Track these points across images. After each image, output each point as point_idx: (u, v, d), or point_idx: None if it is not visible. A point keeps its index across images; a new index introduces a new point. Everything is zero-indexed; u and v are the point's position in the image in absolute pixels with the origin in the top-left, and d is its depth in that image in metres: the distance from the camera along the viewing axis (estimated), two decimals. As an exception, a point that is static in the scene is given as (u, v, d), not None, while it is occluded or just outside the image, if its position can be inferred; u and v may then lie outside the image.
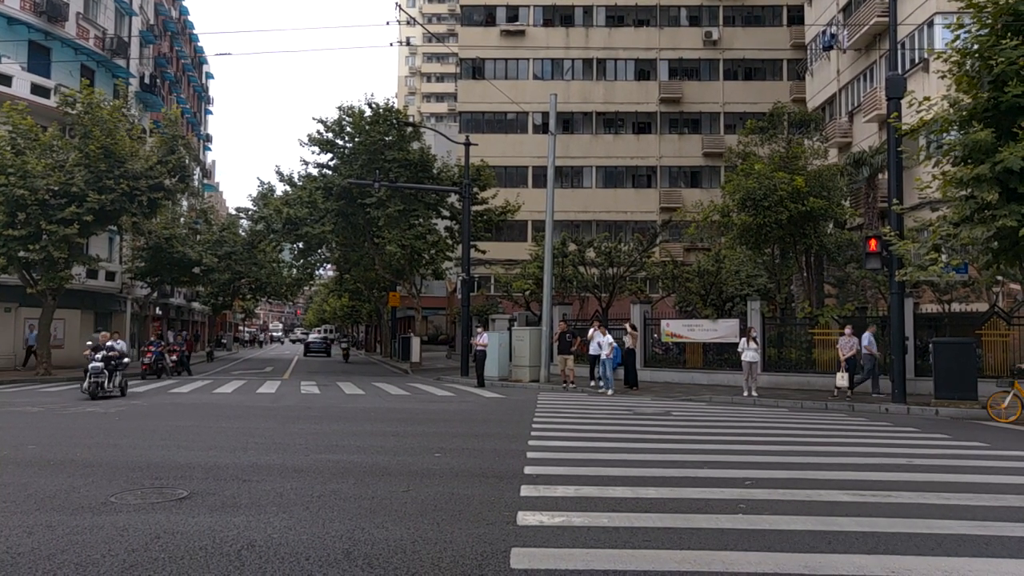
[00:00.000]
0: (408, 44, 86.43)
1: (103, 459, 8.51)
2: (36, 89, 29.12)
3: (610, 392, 18.64)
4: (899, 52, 20.21)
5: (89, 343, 17.96)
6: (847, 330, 17.71)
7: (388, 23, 28.13)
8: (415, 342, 33.82)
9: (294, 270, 42.58)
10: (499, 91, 41.20)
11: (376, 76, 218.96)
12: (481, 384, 22.02)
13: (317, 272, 48.13)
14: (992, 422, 13.82)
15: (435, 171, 32.69)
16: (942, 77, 15.30)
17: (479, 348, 22.47)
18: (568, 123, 47.71)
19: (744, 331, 19.59)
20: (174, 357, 27.23)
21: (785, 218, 21.16)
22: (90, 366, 16.69)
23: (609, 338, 19.18)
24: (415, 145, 32.44)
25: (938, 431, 12.16)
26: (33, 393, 18.61)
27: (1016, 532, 5.70)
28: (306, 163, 38.34)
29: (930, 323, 20.48)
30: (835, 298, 27.52)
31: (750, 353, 18.00)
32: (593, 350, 19.92)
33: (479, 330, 24.31)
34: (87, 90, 25.61)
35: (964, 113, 14.42)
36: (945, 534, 5.60)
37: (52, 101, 28.35)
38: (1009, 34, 13.85)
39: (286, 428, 11.48)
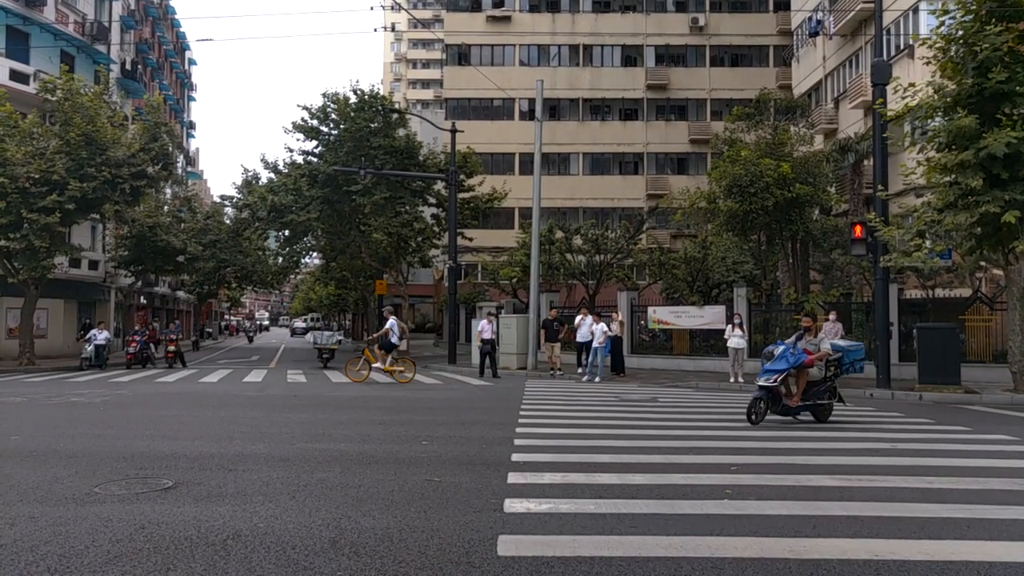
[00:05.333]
0: (393, 30, 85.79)
1: (87, 449, 8.44)
2: (15, 75, 28.69)
3: (598, 380, 18.67)
4: (884, 38, 20.26)
5: None
6: (832, 316, 17.82)
7: (372, 8, 27.99)
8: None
9: (280, 258, 42.33)
10: (485, 77, 40.97)
11: (361, 62, 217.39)
12: (482, 374, 20.62)
13: (303, 260, 47.89)
14: (976, 406, 13.98)
15: (421, 158, 32.53)
16: (927, 63, 15.35)
17: (484, 338, 20.78)
18: (554, 109, 47.56)
19: (730, 318, 19.66)
20: (172, 348, 26.06)
21: (771, 204, 21.23)
22: None
23: (603, 326, 19.12)
24: (401, 132, 32.25)
25: (922, 415, 12.27)
26: (17, 383, 18.44)
27: (998, 515, 5.76)
28: (291, 150, 38.07)
29: (914, 309, 20.64)
30: (820, 284, 27.69)
31: (736, 339, 18.09)
32: (582, 337, 19.89)
33: (490, 317, 22.06)
34: (67, 76, 25.27)
35: (948, 99, 14.49)
36: (928, 517, 5.65)
37: (31, 88, 27.94)
38: (993, 20, 13.92)
39: (272, 417, 11.43)
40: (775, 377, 10.52)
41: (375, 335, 19.48)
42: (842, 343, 12.03)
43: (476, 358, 23.54)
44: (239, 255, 42.57)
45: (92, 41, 33.76)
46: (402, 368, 18.37)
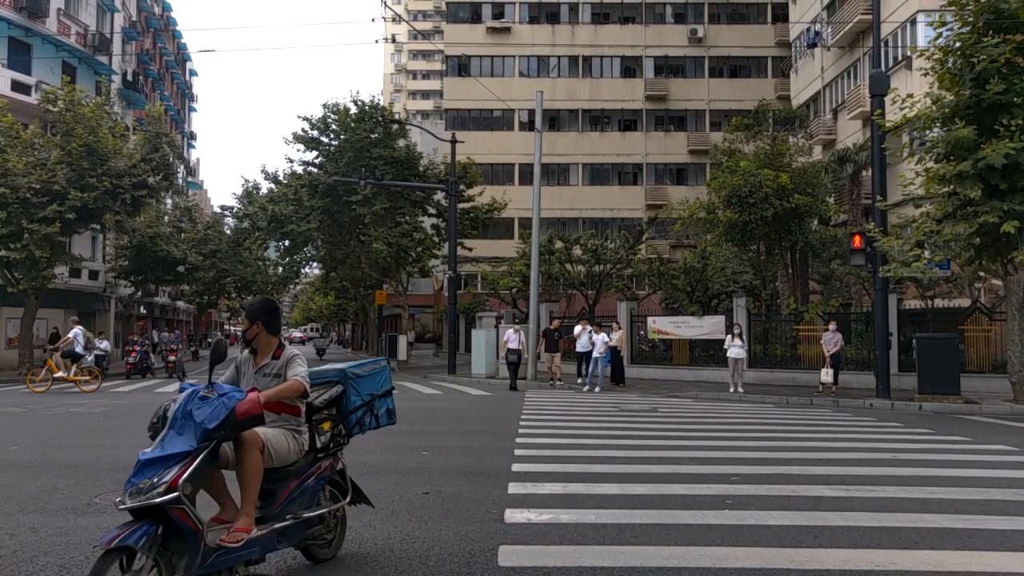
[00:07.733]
0: (394, 41, 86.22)
1: (86, 460, 8.44)
2: (16, 86, 28.78)
3: (598, 390, 18.66)
4: (882, 50, 20.38)
5: None
6: (831, 326, 17.83)
7: (374, 20, 28.12)
8: (402, 340, 33.76)
9: (279, 268, 42.36)
10: (485, 88, 41.12)
11: (362, 73, 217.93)
12: (513, 387, 19.62)
13: (303, 270, 47.92)
14: (976, 416, 13.97)
15: (421, 168, 32.62)
16: (925, 75, 15.42)
17: (511, 348, 19.97)
18: (554, 120, 47.73)
19: (730, 327, 19.67)
20: (172, 358, 26.10)
21: (770, 215, 21.28)
22: None
23: (604, 336, 19.12)
24: (401, 142, 32.36)
25: (922, 426, 12.26)
26: (16, 394, 18.41)
27: (998, 525, 5.75)
28: (291, 161, 38.16)
29: (913, 319, 20.66)
30: (820, 294, 27.73)
31: (736, 349, 18.08)
32: (581, 347, 19.90)
33: (517, 327, 21.20)
34: (69, 87, 25.35)
35: (947, 110, 14.56)
36: (929, 528, 5.65)
37: (33, 98, 28.03)
38: (991, 32, 14.00)
39: (272, 427, 11.40)
40: (171, 477, 3.59)
41: (59, 343, 20.20)
42: (340, 366, 4.96)
43: (478, 368, 23.53)
44: (239, 265, 42.53)
45: (94, 52, 33.89)
46: (87, 378, 19.02)
